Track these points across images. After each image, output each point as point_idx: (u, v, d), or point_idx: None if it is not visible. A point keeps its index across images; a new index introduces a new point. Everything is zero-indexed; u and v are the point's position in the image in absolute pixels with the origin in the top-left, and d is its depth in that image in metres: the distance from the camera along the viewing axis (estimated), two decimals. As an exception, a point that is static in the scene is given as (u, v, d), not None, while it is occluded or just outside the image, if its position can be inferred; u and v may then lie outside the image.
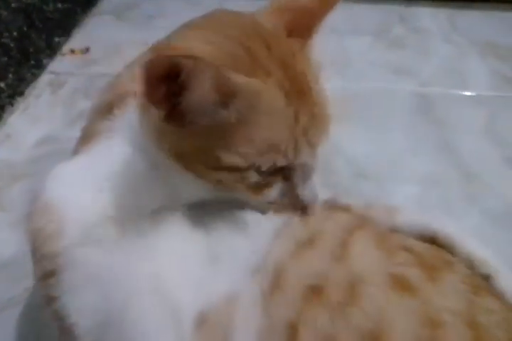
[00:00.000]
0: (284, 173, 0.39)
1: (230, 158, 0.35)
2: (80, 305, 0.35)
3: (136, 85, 0.35)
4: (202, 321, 0.34)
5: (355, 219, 0.42)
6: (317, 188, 0.41)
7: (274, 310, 0.34)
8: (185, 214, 0.40)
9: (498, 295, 0.37)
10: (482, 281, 0.38)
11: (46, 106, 0.84)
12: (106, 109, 0.43)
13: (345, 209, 0.44)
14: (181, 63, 0.29)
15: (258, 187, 0.38)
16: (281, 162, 0.36)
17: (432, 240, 0.41)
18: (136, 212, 0.38)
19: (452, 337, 0.31)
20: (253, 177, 0.37)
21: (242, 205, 0.41)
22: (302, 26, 0.38)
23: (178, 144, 0.36)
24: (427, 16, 1.02)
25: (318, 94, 0.38)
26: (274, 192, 0.40)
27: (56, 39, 0.96)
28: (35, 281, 0.40)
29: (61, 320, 0.36)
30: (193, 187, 0.40)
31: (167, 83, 0.31)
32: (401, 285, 0.34)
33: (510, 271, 0.39)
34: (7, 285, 0.58)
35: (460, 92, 0.84)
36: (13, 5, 0.82)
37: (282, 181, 0.39)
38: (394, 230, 0.42)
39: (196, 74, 0.30)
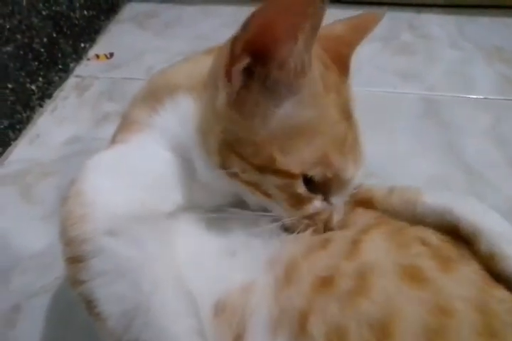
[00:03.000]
0: (324, 190, 0.38)
1: (286, 162, 0.34)
2: (107, 293, 0.35)
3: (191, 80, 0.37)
4: (220, 308, 0.35)
5: (372, 219, 0.41)
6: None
7: (286, 300, 0.34)
8: (207, 214, 0.40)
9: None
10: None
11: (73, 108, 0.88)
12: (150, 99, 0.43)
13: (367, 200, 0.44)
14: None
15: (299, 200, 0.38)
16: (329, 173, 0.36)
17: (455, 227, 0.39)
18: (162, 209, 0.38)
19: (462, 322, 0.31)
20: (300, 187, 0.36)
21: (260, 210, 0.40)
22: (339, 55, 0.39)
23: (232, 136, 0.35)
24: (436, 23, 1.04)
25: (357, 122, 0.39)
26: (312, 208, 0.39)
27: (82, 45, 1.00)
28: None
29: (87, 303, 0.36)
30: (222, 192, 0.40)
31: (251, 52, 0.32)
32: (412, 276, 0.34)
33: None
34: (39, 273, 0.61)
35: (466, 96, 0.86)
36: (43, 12, 0.87)
37: (321, 199, 0.39)
38: (415, 218, 0.41)
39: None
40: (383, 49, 0.98)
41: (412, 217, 0.42)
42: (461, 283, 0.34)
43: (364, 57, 0.94)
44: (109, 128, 0.86)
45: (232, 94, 0.35)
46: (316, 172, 0.36)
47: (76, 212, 0.36)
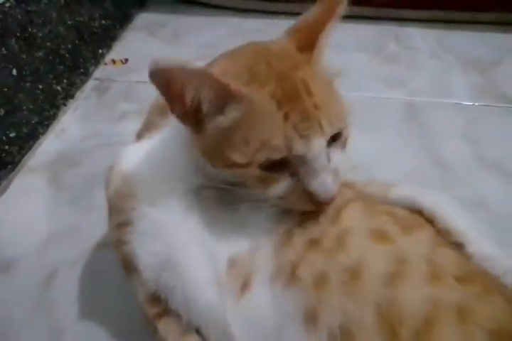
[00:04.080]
0: (289, 169, 0.42)
1: (234, 156, 0.41)
2: (145, 249, 0.46)
3: None
4: (232, 264, 0.44)
5: (352, 195, 0.49)
6: (331, 184, 0.42)
7: (283, 257, 0.43)
8: (219, 193, 0.48)
9: (454, 248, 0.45)
10: (443, 239, 0.46)
11: (93, 107, 0.98)
12: (162, 109, 0.54)
13: (350, 185, 0.52)
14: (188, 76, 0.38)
15: (266, 182, 0.43)
16: (276, 155, 0.40)
17: (419, 213, 0.48)
18: (187, 187, 0.48)
19: (413, 270, 0.40)
20: (255, 171, 0.42)
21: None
22: (309, 40, 0.44)
23: (203, 147, 0.45)
24: (418, 36, 1.14)
25: (319, 95, 0.41)
26: (280, 187, 0.43)
27: (100, 51, 1.10)
28: (109, 230, 0.51)
29: (128, 260, 0.47)
30: (217, 177, 0.46)
31: (182, 98, 0.40)
32: (379, 236, 0.42)
33: (482, 240, 0.46)
34: (72, 246, 0.70)
35: (443, 101, 0.95)
36: (68, 22, 0.97)
37: (290, 177, 0.43)
38: (387, 203, 0.50)
39: (202, 82, 0.39)
40: (371, 59, 1.08)
41: (384, 201, 0.50)
42: (416, 243, 0.43)
43: (354, 66, 1.04)
44: (126, 125, 0.97)
45: (190, 128, 0.44)
46: (261, 157, 0.40)
47: (121, 190, 0.49)
